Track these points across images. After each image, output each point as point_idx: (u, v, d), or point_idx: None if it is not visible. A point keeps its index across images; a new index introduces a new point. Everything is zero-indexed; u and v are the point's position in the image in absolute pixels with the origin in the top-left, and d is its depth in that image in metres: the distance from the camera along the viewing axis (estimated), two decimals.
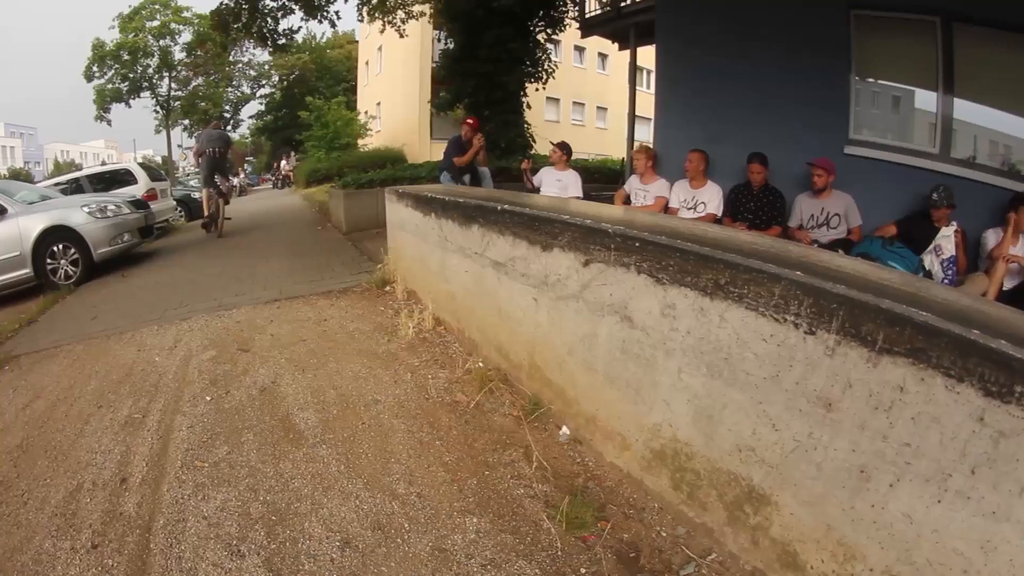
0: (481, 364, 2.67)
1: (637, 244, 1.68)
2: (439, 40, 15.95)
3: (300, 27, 26.26)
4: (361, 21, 13.74)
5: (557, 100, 21.37)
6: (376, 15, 11.71)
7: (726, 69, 4.68)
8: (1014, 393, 0.95)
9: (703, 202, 4.26)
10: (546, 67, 12.04)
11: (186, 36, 27.13)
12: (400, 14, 11.64)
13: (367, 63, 25.35)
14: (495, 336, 2.63)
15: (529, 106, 12.46)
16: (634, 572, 1.49)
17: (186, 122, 29.40)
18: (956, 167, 3.80)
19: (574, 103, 23.00)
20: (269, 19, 9.94)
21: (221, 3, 9.43)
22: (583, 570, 1.50)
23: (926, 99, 4.05)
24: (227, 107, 31.46)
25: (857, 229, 3.88)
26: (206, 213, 8.01)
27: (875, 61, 4.23)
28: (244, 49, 27.12)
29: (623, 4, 7.93)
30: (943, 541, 1.06)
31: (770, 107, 4.39)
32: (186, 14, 26.92)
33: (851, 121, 4.16)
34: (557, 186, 4.83)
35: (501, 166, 8.39)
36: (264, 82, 32.10)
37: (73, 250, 5.83)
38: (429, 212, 3.24)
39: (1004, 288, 3.40)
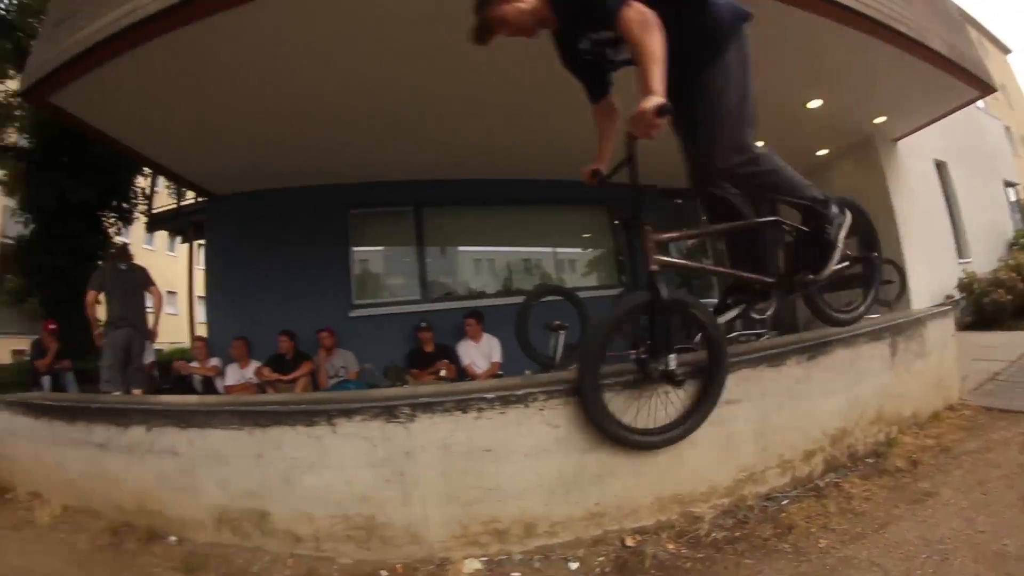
0: None
1: None
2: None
3: None
4: None
5: None
6: None
7: (261, 259, 5.63)
8: None
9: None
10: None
11: None
12: None
13: None
14: None
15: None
16: None
17: None
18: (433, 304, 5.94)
19: None
20: None
21: None
22: None
23: (410, 264, 6.17)
24: None
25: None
26: None
27: (369, 243, 6.07)
28: None
29: (183, 203, 8.61)
30: None
31: (293, 288, 5.53)
32: None
33: (353, 292, 5.81)
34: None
35: (83, 367, 6.63)
36: None
37: None
38: None
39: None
